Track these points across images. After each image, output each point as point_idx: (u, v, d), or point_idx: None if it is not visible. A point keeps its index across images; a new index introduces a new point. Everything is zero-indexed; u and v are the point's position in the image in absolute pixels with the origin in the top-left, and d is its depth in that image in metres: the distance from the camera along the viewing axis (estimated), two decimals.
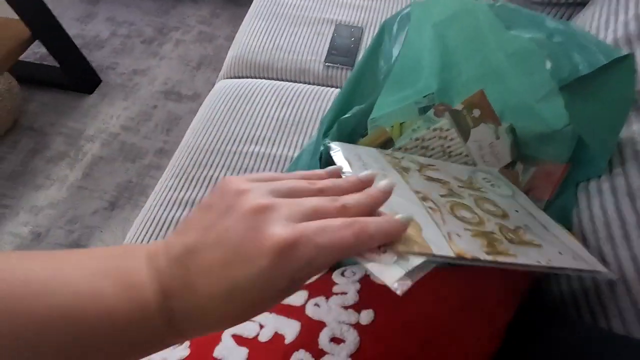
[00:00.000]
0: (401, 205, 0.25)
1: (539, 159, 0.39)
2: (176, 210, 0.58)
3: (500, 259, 0.23)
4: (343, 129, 0.32)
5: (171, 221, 0.57)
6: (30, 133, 1.17)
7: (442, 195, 0.29)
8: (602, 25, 0.43)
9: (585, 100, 0.30)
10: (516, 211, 0.31)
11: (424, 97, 0.53)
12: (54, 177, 1.09)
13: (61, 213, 1.02)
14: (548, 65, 0.29)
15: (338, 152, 0.29)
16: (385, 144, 0.47)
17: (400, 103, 0.51)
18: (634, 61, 0.28)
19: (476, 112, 0.38)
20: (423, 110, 0.53)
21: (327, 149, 0.31)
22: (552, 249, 0.27)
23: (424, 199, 0.27)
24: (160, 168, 1.11)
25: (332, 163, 0.29)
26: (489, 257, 0.23)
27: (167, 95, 1.27)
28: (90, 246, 0.97)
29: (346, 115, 0.32)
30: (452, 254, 0.21)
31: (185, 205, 0.58)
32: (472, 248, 0.23)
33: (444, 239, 0.23)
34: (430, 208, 0.26)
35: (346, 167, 0.28)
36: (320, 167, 0.32)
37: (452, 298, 0.28)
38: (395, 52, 0.33)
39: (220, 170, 0.61)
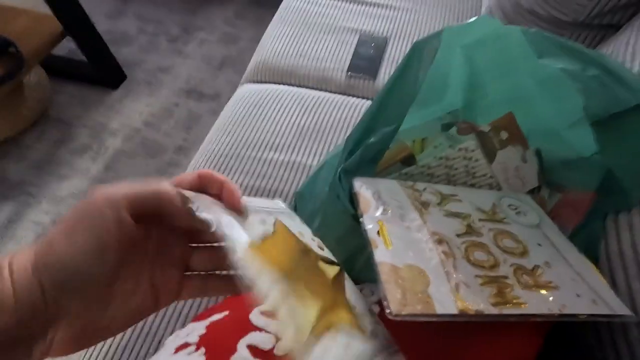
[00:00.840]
0: (416, 256, 0.26)
1: (565, 186, 0.39)
2: None
3: (507, 310, 0.24)
4: (367, 153, 0.32)
5: None
6: (56, 124, 1.20)
7: (459, 235, 0.29)
8: (638, 51, 0.42)
9: (617, 135, 0.30)
10: (539, 245, 0.31)
11: (448, 113, 0.53)
12: (77, 168, 1.12)
13: None
14: (580, 98, 0.28)
15: (360, 190, 0.31)
16: (407, 159, 0.47)
17: (423, 119, 0.51)
18: None
19: (503, 135, 0.37)
20: (446, 127, 0.52)
21: (345, 177, 0.31)
22: (569, 292, 0.26)
23: (440, 241, 0.28)
24: (179, 166, 1.13)
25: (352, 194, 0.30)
26: (495, 310, 0.23)
27: (189, 93, 1.29)
28: None
29: (372, 140, 0.32)
30: (455, 311, 0.22)
31: None
32: (478, 299, 0.24)
33: (450, 293, 0.23)
34: (444, 253, 0.27)
35: (363, 206, 0.29)
36: (341, 187, 0.32)
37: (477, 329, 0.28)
38: (424, 74, 0.33)
39: (239, 175, 0.62)
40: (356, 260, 0.36)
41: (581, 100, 0.29)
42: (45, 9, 1.04)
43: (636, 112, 0.28)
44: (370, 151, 0.33)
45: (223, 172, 0.62)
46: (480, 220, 0.31)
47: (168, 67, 1.35)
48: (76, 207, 0.19)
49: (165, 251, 0.22)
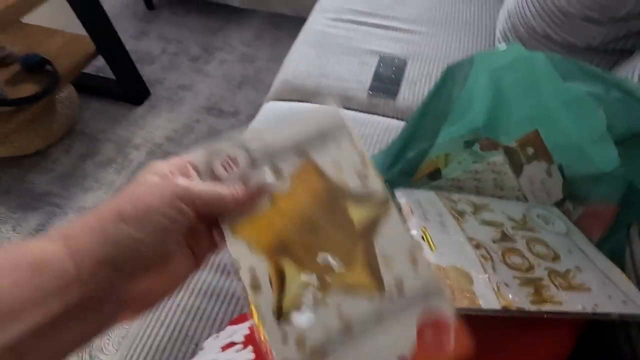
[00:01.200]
0: (458, 258, 0.28)
1: (588, 199, 0.41)
2: None
3: (545, 308, 0.26)
4: (405, 167, 0.35)
5: None
6: (83, 138, 1.25)
7: (494, 241, 0.32)
8: None
9: (638, 151, 0.32)
10: (569, 251, 0.33)
11: (470, 132, 0.56)
12: (102, 181, 1.16)
13: None
14: (604, 118, 0.31)
15: (402, 200, 0.33)
16: (434, 174, 0.50)
17: (446, 137, 0.54)
18: None
19: (530, 150, 0.40)
20: (468, 144, 0.55)
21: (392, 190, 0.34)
22: (601, 293, 0.29)
23: (478, 246, 0.30)
24: None
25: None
26: (534, 307, 0.25)
27: (209, 110, 1.34)
28: None
29: (410, 155, 0.35)
30: (498, 307, 0.24)
31: None
32: (518, 298, 0.26)
33: (492, 291, 0.26)
34: (483, 257, 0.29)
35: (406, 215, 0.32)
36: None
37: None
38: (456, 96, 0.36)
39: None
40: None
41: (604, 119, 0.32)
42: (80, 30, 1.10)
43: None
44: (408, 165, 0.36)
45: None
46: (512, 228, 0.34)
47: (189, 85, 1.41)
48: (147, 191, 0.21)
49: (202, 221, 0.24)
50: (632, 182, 0.35)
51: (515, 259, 0.30)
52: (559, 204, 0.41)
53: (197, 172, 0.24)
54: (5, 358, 0.17)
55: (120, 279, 0.20)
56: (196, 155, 0.24)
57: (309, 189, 0.23)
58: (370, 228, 0.22)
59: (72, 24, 1.14)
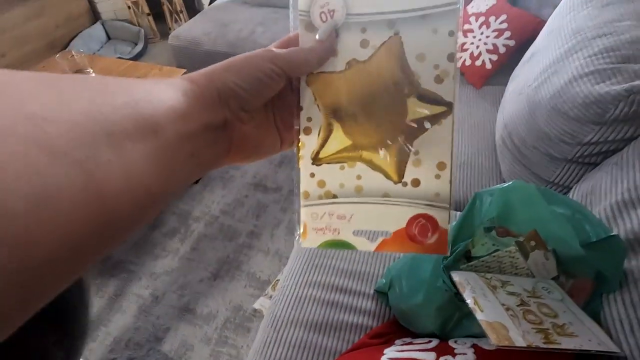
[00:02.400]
0: (498, 316, 0.48)
1: (574, 275, 0.61)
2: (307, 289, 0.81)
3: (552, 346, 0.45)
4: (456, 256, 0.57)
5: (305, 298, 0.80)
6: None
7: (517, 305, 0.52)
8: (607, 189, 0.68)
9: (596, 251, 0.54)
10: (564, 312, 0.53)
11: (488, 220, 0.78)
12: (169, 249, 1.36)
13: (174, 279, 1.27)
14: (572, 230, 0.53)
15: (457, 279, 0.54)
16: (467, 254, 0.71)
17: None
18: (620, 239, 0.52)
19: (532, 243, 0.62)
20: (487, 230, 0.77)
21: (446, 270, 0.55)
22: (585, 338, 0.48)
23: (507, 309, 0.50)
24: (252, 247, 1.36)
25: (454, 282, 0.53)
26: (544, 345, 0.45)
27: (256, 187, 1.59)
28: (198, 311, 1.19)
29: (458, 249, 0.57)
30: (524, 345, 0.44)
31: (314, 286, 0.81)
32: (535, 340, 0.45)
33: (520, 336, 0.45)
34: (512, 316, 0.49)
35: (461, 289, 0.52)
36: (444, 275, 0.56)
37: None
38: (484, 210, 0.58)
39: (333, 259, 0.85)
40: (450, 321, 0.58)
41: (572, 231, 0.54)
42: None
43: (604, 241, 0.52)
44: (457, 255, 0.57)
45: (320, 256, 0.86)
46: (527, 296, 0.54)
47: (237, 165, 1.68)
48: (243, 55, 0.23)
49: (282, 95, 0.25)
50: (599, 268, 0.56)
51: (531, 317, 0.50)
52: (556, 279, 0.61)
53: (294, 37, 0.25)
54: (179, 147, 0.19)
55: (232, 113, 0.23)
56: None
57: (383, 67, 0.24)
58: (418, 128, 0.24)
59: None
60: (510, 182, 0.61)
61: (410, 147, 0.24)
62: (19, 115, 0.13)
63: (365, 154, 0.24)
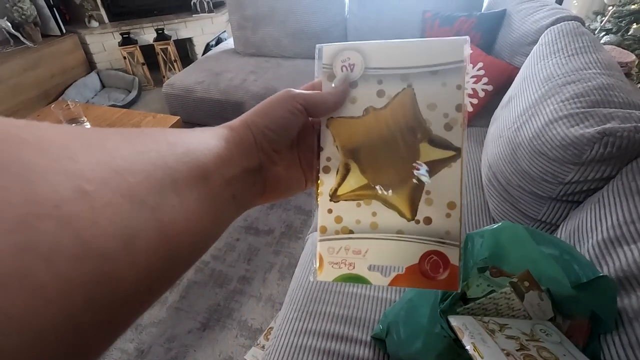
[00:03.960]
0: None
1: (571, 316, 0.61)
2: (299, 338, 0.78)
3: None
4: (452, 300, 0.56)
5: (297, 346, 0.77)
6: None
7: (517, 350, 0.51)
8: (593, 226, 0.70)
9: (587, 292, 0.54)
10: (564, 355, 0.52)
11: (481, 260, 0.79)
12: None
13: (161, 331, 1.21)
14: (561, 271, 0.54)
15: (455, 323, 0.53)
16: (462, 297, 0.71)
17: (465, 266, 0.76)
18: (609, 280, 0.53)
19: (526, 283, 0.62)
20: (481, 270, 0.77)
21: (443, 314, 0.55)
22: None
23: (508, 354, 0.49)
24: (243, 293, 1.32)
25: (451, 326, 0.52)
26: None
27: (247, 230, 1.57)
28: None
29: (450, 298, 0.57)
30: None
31: (306, 334, 0.79)
32: None
33: None
34: None
35: (460, 334, 0.51)
36: (441, 320, 0.55)
37: None
38: (475, 253, 0.59)
39: (328, 306, 0.83)
40: None
41: (561, 271, 0.55)
42: None
43: (595, 282, 0.53)
44: (453, 299, 0.57)
45: (314, 302, 0.84)
46: (527, 340, 0.53)
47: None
48: (267, 99, 0.26)
49: (305, 137, 0.28)
50: (592, 309, 0.56)
51: None
52: (552, 320, 0.61)
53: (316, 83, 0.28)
54: (224, 191, 0.21)
55: (266, 155, 0.25)
56: (328, 49, 0.27)
57: (398, 114, 0.26)
58: (430, 170, 0.25)
59: None
60: (500, 223, 0.62)
61: (422, 189, 0.25)
62: (110, 169, 0.15)
63: (381, 193, 0.26)
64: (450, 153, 0.25)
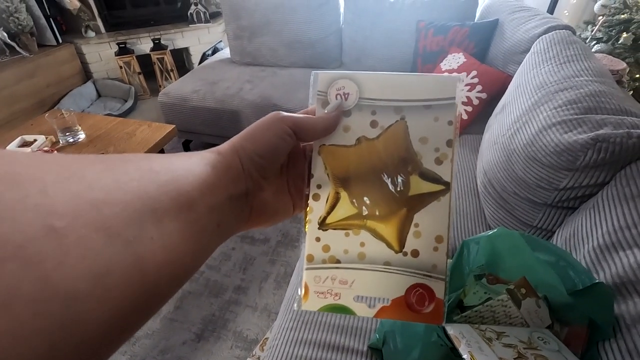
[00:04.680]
0: None
1: (568, 322, 0.61)
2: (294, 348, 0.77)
3: None
4: (448, 308, 0.56)
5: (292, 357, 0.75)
6: None
7: (515, 358, 0.50)
8: (588, 232, 0.70)
9: (584, 299, 0.54)
10: None
11: (477, 267, 0.78)
12: None
13: (155, 343, 1.18)
14: (557, 277, 0.54)
15: (451, 332, 0.53)
16: (459, 304, 0.70)
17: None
18: (605, 286, 0.53)
19: (523, 290, 0.61)
20: (478, 278, 0.76)
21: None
22: None
23: None
24: (239, 303, 1.30)
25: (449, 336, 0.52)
26: None
27: (243, 238, 1.56)
28: None
29: (450, 300, 0.56)
30: None
31: (302, 344, 0.77)
32: None
33: None
34: None
35: (457, 343, 0.50)
36: (438, 329, 0.55)
37: None
38: (471, 259, 0.58)
39: (329, 316, 0.82)
40: None
41: (557, 277, 0.55)
42: None
43: (591, 289, 0.53)
44: (449, 306, 0.56)
45: (311, 311, 0.82)
46: (524, 348, 0.52)
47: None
48: (256, 122, 0.25)
49: (295, 163, 0.28)
50: (589, 316, 0.56)
51: None
52: (550, 327, 0.60)
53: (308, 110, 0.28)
54: (208, 220, 0.20)
55: (254, 182, 0.24)
56: (323, 76, 0.27)
57: (390, 145, 0.26)
58: (419, 202, 0.25)
59: None
60: (495, 230, 0.62)
61: (411, 221, 0.25)
62: (86, 201, 0.15)
63: (370, 223, 0.26)
64: (440, 187, 0.25)
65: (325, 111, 0.27)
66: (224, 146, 0.24)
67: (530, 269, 0.61)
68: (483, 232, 0.82)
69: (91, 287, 0.13)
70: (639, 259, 0.56)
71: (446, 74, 0.27)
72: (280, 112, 0.26)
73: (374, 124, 0.26)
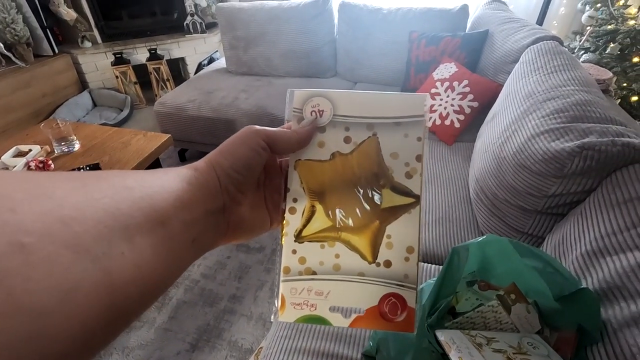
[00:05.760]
0: None
1: (558, 328, 0.61)
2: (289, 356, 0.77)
3: None
4: (439, 314, 0.57)
5: None
6: None
7: None
8: (576, 238, 0.72)
9: (571, 304, 0.55)
10: None
11: (469, 273, 0.79)
12: (144, 319, 1.28)
13: (149, 354, 1.17)
14: (544, 283, 0.55)
15: (442, 338, 0.53)
16: (451, 311, 0.71)
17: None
18: (590, 292, 0.54)
19: (512, 296, 0.62)
20: (470, 284, 0.77)
21: (430, 329, 0.55)
22: None
23: None
24: (234, 312, 1.30)
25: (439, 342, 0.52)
26: None
27: (238, 247, 1.56)
28: None
29: (441, 306, 0.57)
30: None
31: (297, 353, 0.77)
32: None
33: None
34: None
35: (447, 349, 0.51)
36: (429, 335, 0.55)
37: None
38: (463, 265, 0.59)
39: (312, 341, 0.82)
40: None
41: (545, 283, 0.56)
42: None
43: (577, 294, 0.54)
44: (440, 313, 0.57)
45: (299, 332, 0.83)
46: (514, 353, 0.53)
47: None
48: (231, 137, 0.26)
49: (272, 178, 0.29)
50: (577, 321, 0.57)
51: None
52: (540, 332, 0.61)
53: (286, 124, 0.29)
54: (183, 235, 0.21)
55: (230, 197, 0.25)
56: (299, 94, 0.28)
57: (363, 160, 0.27)
58: (390, 215, 0.26)
59: None
60: (485, 237, 0.63)
61: (383, 233, 0.26)
62: (56, 218, 0.15)
63: (344, 235, 0.27)
64: (410, 200, 0.26)
65: (299, 125, 0.28)
66: (201, 162, 0.25)
67: (519, 275, 0.62)
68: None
69: (58, 302, 0.13)
70: (624, 264, 0.58)
71: (415, 92, 0.28)
72: (254, 126, 0.26)
73: (347, 140, 0.27)
